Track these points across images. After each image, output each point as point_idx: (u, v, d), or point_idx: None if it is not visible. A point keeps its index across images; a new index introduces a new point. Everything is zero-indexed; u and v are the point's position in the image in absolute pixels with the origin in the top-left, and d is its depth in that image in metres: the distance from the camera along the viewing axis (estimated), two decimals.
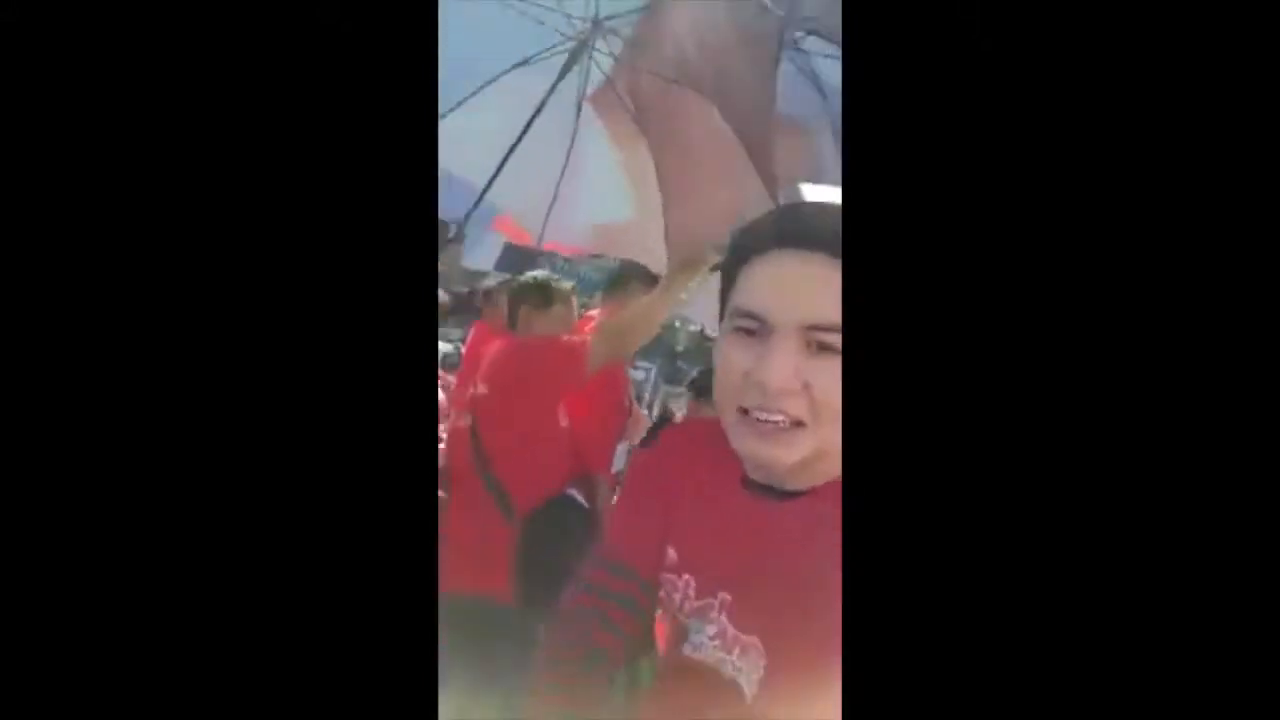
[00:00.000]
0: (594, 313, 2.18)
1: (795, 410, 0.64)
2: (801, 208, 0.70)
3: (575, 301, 2.14)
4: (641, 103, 1.99)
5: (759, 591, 0.70)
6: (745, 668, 0.69)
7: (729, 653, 0.70)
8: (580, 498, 1.79)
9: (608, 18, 1.75)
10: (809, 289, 0.64)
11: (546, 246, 2.36)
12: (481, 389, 1.79)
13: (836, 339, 0.63)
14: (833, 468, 0.68)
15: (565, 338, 1.86)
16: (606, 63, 1.93)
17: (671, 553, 0.78)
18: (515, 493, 1.74)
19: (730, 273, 0.70)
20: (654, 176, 2.08)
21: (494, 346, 1.90)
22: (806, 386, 0.63)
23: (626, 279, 2.08)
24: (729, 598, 0.71)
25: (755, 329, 0.65)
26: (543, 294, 1.98)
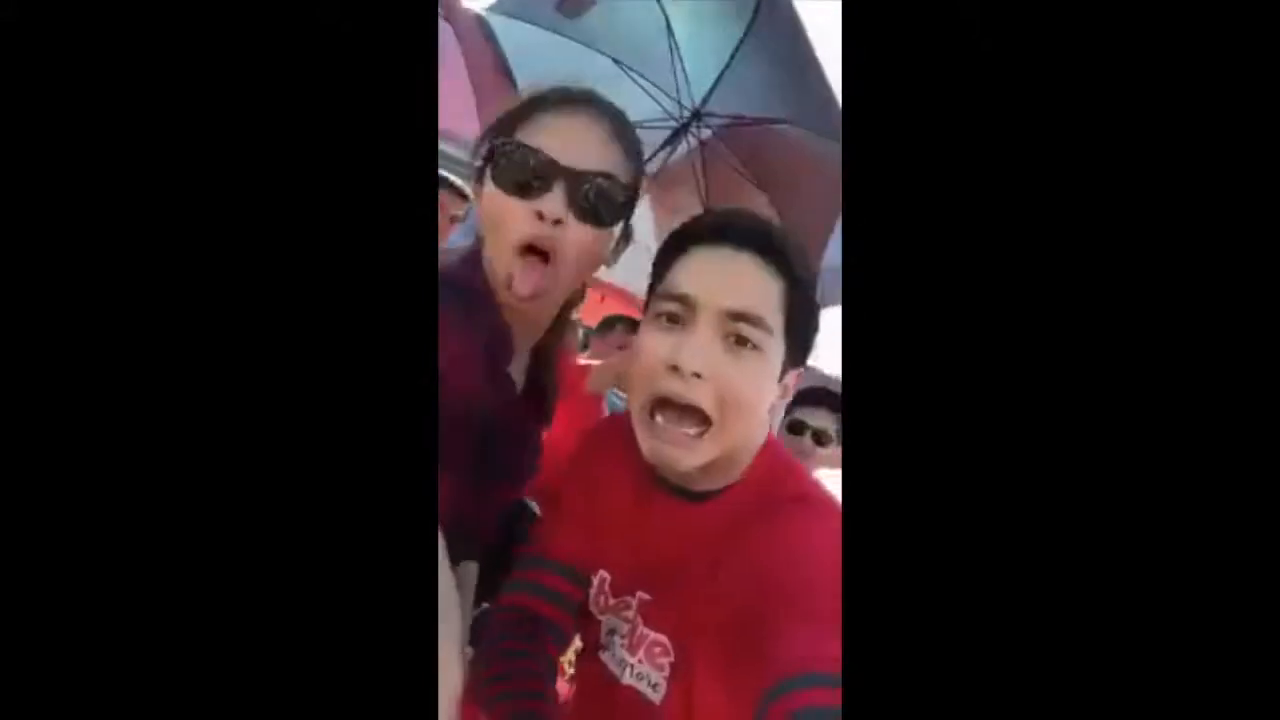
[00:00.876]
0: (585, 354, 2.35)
1: (705, 400, 0.63)
2: (734, 211, 0.70)
3: (581, 337, 2.33)
4: (711, 185, 2.20)
5: (670, 591, 0.70)
6: (648, 671, 0.70)
7: (633, 653, 0.72)
8: (536, 509, 1.92)
9: (709, 113, 1.96)
10: (734, 279, 0.64)
11: None
12: None
13: (755, 333, 0.63)
14: (735, 472, 0.70)
15: (573, 357, 2.03)
16: (692, 141, 2.13)
17: (595, 550, 0.77)
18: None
19: (659, 268, 0.70)
20: None
21: None
22: (718, 376, 0.63)
23: (614, 323, 2.25)
24: (648, 597, 0.72)
25: (678, 314, 0.65)
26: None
